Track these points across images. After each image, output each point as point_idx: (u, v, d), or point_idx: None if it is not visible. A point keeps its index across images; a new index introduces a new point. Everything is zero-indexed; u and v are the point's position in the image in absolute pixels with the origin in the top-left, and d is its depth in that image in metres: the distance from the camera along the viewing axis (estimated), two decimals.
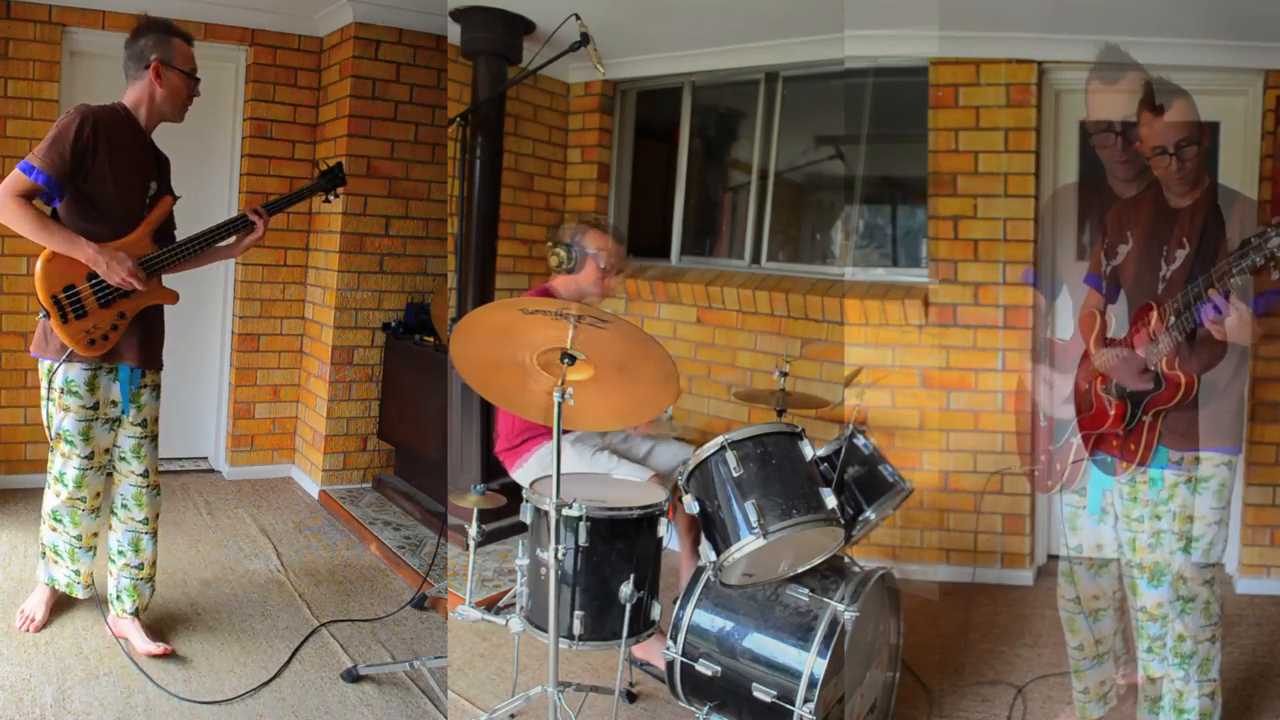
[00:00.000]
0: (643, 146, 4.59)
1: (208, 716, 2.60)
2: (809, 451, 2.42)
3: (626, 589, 2.27)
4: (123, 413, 2.76)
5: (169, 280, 2.80)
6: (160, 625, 2.98)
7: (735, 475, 2.32)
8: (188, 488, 4.57)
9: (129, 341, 2.69)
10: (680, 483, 2.45)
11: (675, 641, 2.41)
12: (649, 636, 2.38)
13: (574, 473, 2.71)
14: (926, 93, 3.54)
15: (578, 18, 3.29)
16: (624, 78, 4.43)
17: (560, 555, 2.22)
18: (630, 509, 2.30)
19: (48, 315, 2.60)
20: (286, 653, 2.97)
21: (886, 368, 3.64)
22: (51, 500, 2.82)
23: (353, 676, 2.84)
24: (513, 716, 2.56)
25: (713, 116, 4.52)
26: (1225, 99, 3.30)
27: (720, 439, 2.36)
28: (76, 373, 2.66)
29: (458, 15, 3.82)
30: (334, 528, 4.23)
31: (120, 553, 2.89)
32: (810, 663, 2.24)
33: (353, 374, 4.70)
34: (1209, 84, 3.25)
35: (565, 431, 2.30)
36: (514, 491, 2.62)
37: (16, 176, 2.51)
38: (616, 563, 2.28)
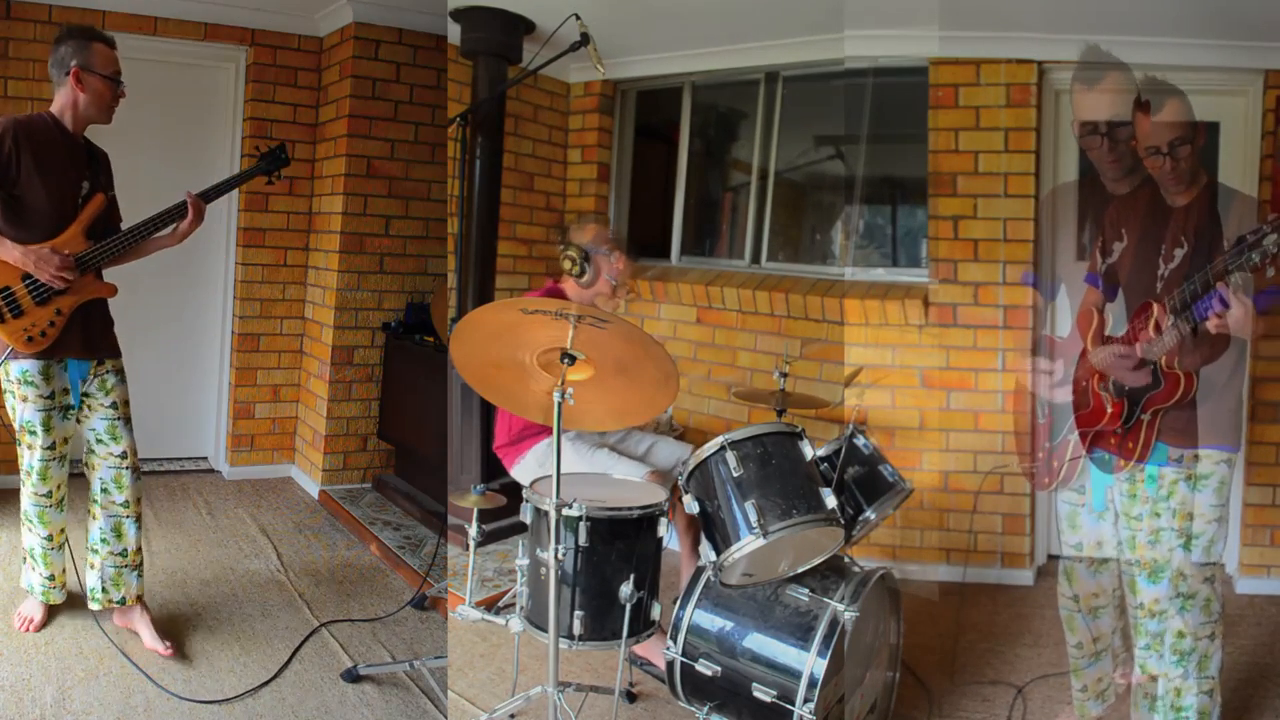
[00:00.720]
0: (643, 146, 4.59)
1: (208, 716, 2.60)
2: (809, 451, 2.42)
3: (626, 589, 2.27)
4: (73, 405, 2.82)
5: (117, 274, 2.88)
6: (160, 625, 2.98)
7: (735, 475, 2.32)
8: (188, 488, 4.57)
9: (71, 336, 2.75)
10: (680, 483, 2.45)
11: (675, 641, 2.41)
12: (649, 636, 2.38)
13: (574, 473, 2.71)
14: (926, 93, 3.54)
15: (578, 18, 3.29)
16: (624, 78, 4.43)
17: (560, 555, 2.22)
18: (630, 509, 2.30)
19: None
20: (286, 653, 2.97)
21: (886, 368, 3.64)
22: (23, 500, 2.88)
23: (353, 676, 2.84)
24: (513, 716, 2.56)
25: (713, 116, 4.52)
26: (1225, 99, 3.30)
27: (720, 439, 2.36)
28: (30, 364, 2.73)
29: (458, 15, 3.82)
30: (334, 528, 4.23)
31: (103, 540, 2.90)
32: (810, 663, 2.24)
33: (353, 374, 4.70)
34: (1209, 84, 3.25)
35: (564, 430, 2.30)
36: (514, 491, 2.62)
37: None
38: (616, 563, 2.28)
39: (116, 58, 2.77)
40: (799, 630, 2.29)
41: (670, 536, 2.39)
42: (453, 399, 3.76)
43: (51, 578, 2.97)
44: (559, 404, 2.12)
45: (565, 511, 2.23)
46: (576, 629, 2.27)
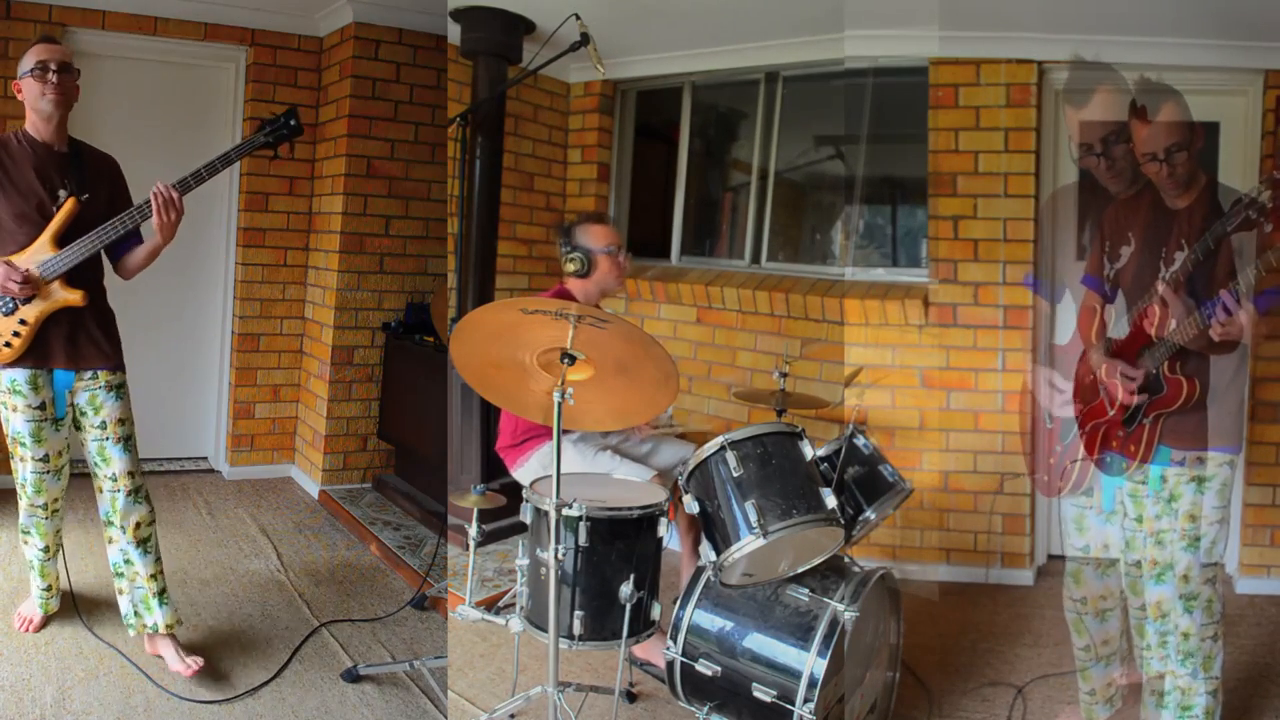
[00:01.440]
0: (643, 146, 4.59)
1: (208, 716, 2.60)
2: (809, 451, 2.42)
3: (626, 589, 2.27)
4: (57, 416, 2.75)
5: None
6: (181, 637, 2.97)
7: (735, 475, 2.32)
8: (187, 488, 4.57)
9: (55, 345, 2.69)
10: (680, 483, 2.45)
11: (675, 641, 2.41)
12: (649, 636, 2.38)
13: (574, 473, 2.71)
14: (926, 93, 3.54)
15: (578, 18, 3.28)
16: (624, 78, 4.43)
17: (560, 555, 2.21)
18: (630, 509, 2.30)
19: None
20: (286, 653, 2.97)
21: (886, 368, 3.64)
22: (20, 510, 2.85)
23: (353, 676, 2.84)
24: (513, 716, 2.56)
25: (713, 116, 4.52)
26: (1225, 99, 3.30)
27: (720, 439, 2.36)
28: (18, 373, 2.68)
29: (458, 15, 3.82)
30: (334, 528, 4.23)
31: (118, 572, 2.83)
32: (810, 663, 2.24)
33: (353, 374, 4.70)
34: (1209, 84, 3.25)
35: (566, 431, 2.30)
36: (514, 491, 2.62)
37: None
38: (616, 563, 2.28)
39: (43, 47, 2.70)
40: (799, 630, 2.29)
41: (670, 536, 2.39)
42: (453, 399, 3.76)
43: (49, 588, 2.97)
44: (559, 404, 2.12)
45: (565, 511, 2.23)
46: (576, 629, 2.27)
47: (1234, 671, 2.88)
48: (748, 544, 2.26)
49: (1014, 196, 3.51)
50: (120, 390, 2.80)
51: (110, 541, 2.82)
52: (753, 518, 2.26)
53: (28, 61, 2.68)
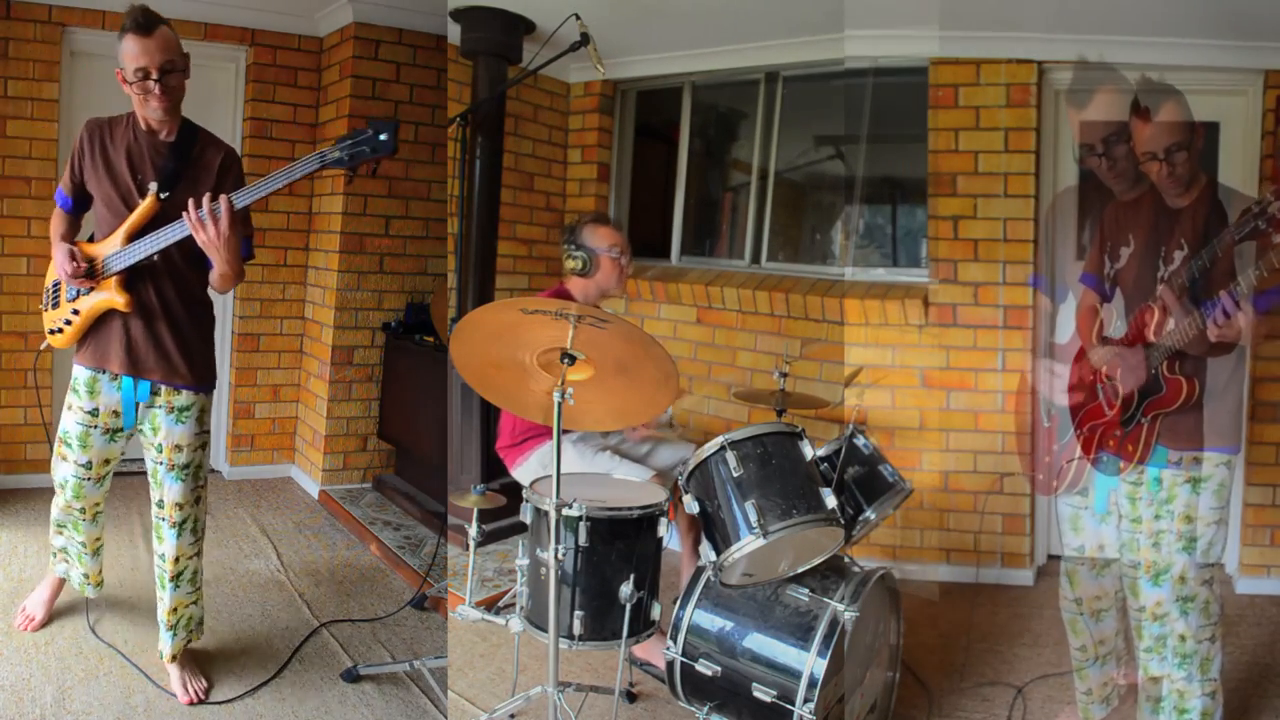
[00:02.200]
0: (643, 146, 4.59)
1: (208, 716, 2.60)
2: (809, 451, 2.42)
3: (626, 589, 2.27)
4: (124, 425, 2.60)
5: None
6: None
7: (735, 475, 2.32)
8: None
9: (112, 348, 2.54)
10: (680, 483, 2.45)
11: (675, 641, 2.41)
12: (649, 636, 2.38)
13: (574, 473, 2.71)
14: (926, 93, 3.54)
15: (578, 18, 3.28)
16: (624, 78, 4.43)
17: (560, 555, 2.22)
18: (630, 509, 2.30)
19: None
20: (286, 653, 2.97)
21: (886, 368, 3.64)
22: (55, 507, 2.78)
23: (353, 676, 2.84)
24: (513, 716, 2.56)
25: (713, 116, 4.52)
26: (1225, 99, 3.30)
27: (720, 439, 2.36)
28: (80, 371, 2.59)
29: (458, 15, 3.82)
30: (334, 528, 4.23)
31: (158, 588, 2.75)
32: (810, 663, 2.24)
33: (353, 374, 4.70)
34: (1209, 84, 3.25)
35: (566, 431, 2.30)
36: (514, 491, 2.62)
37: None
38: (616, 563, 2.28)
39: (143, 49, 2.42)
40: (799, 630, 2.29)
41: (670, 536, 2.39)
42: (453, 399, 3.76)
43: (86, 575, 2.90)
44: (559, 404, 2.12)
45: (565, 511, 2.23)
46: (576, 629, 2.27)
47: (1234, 672, 2.88)
48: (748, 544, 2.26)
49: (1014, 196, 3.51)
50: (184, 415, 2.61)
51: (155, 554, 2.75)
52: (753, 518, 2.27)
53: (126, 65, 2.44)
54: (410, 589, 3.51)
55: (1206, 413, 2.32)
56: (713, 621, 2.40)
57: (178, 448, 2.62)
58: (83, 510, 2.74)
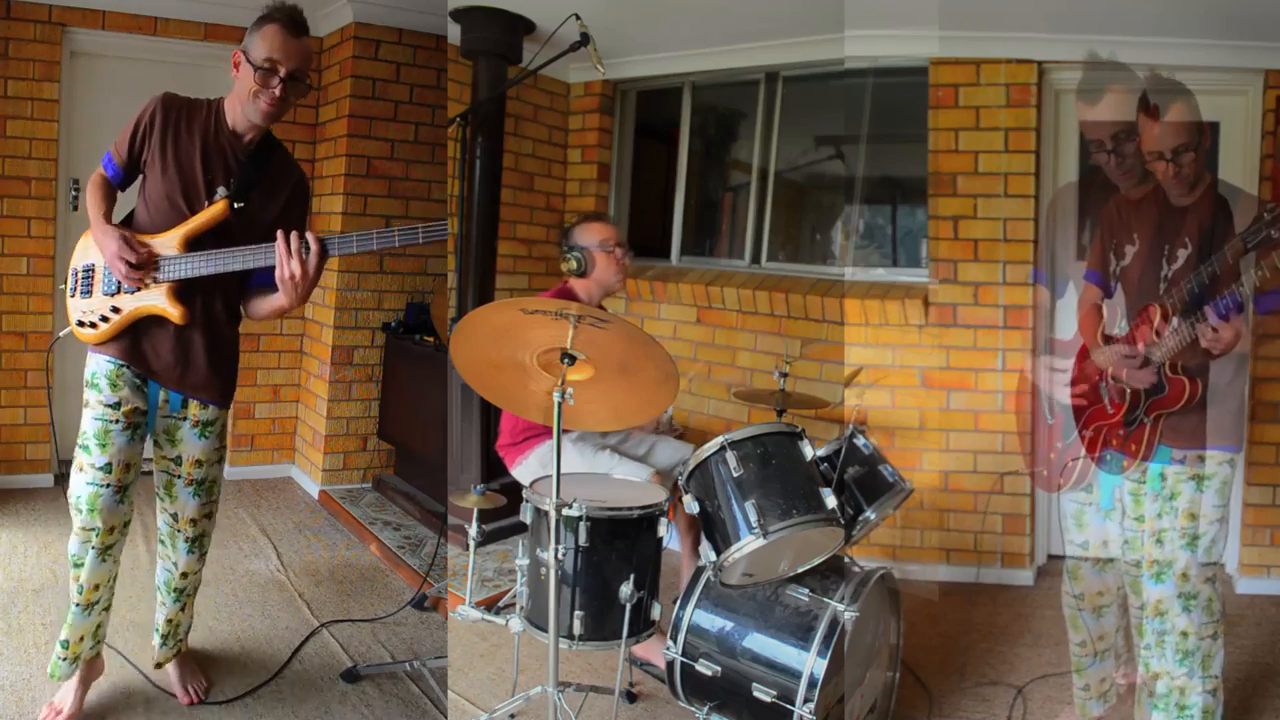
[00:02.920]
0: (643, 146, 4.59)
1: (208, 717, 2.60)
2: (809, 451, 2.42)
3: (626, 589, 2.27)
4: (148, 426, 2.43)
5: None
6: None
7: (735, 475, 2.32)
8: None
9: (145, 347, 2.38)
10: (680, 483, 2.45)
11: (675, 641, 2.41)
12: (649, 636, 2.38)
13: (574, 473, 2.71)
14: (926, 93, 3.54)
15: (578, 18, 3.28)
16: (624, 78, 4.43)
17: (560, 555, 2.22)
18: (630, 509, 2.30)
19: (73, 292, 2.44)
20: (286, 653, 2.96)
21: (886, 368, 3.64)
22: (72, 538, 2.41)
23: (353, 676, 2.84)
24: (513, 716, 2.56)
25: (713, 116, 4.52)
26: (1225, 99, 3.30)
27: (720, 439, 2.36)
28: (101, 362, 2.37)
29: (458, 15, 3.82)
30: (334, 528, 4.23)
31: (158, 592, 2.65)
32: (810, 663, 2.24)
33: (353, 374, 4.70)
34: (1209, 84, 3.25)
35: (566, 431, 2.30)
36: (514, 491, 2.62)
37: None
38: (616, 563, 2.28)
39: (285, 45, 2.30)
40: (799, 630, 2.29)
41: (670, 536, 2.39)
42: (453, 399, 3.75)
43: (65, 644, 2.44)
44: (559, 404, 2.12)
45: (565, 511, 2.23)
46: (576, 629, 2.27)
47: (1234, 671, 2.88)
48: (748, 544, 2.26)
49: (1014, 196, 3.51)
50: (208, 430, 2.49)
51: (160, 563, 2.63)
52: (753, 518, 2.26)
53: (257, 48, 2.30)
54: (410, 589, 3.51)
55: (1210, 412, 2.32)
56: (713, 621, 2.40)
57: (198, 462, 2.50)
58: (95, 532, 2.35)
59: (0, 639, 2.87)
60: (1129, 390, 2.38)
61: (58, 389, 3.84)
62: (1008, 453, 3.52)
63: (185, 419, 2.47)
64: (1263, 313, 2.16)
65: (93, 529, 2.35)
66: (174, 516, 2.55)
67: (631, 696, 2.75)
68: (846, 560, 2.54)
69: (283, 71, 2.31)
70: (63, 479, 2.90)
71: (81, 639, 2.46)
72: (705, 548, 2.38)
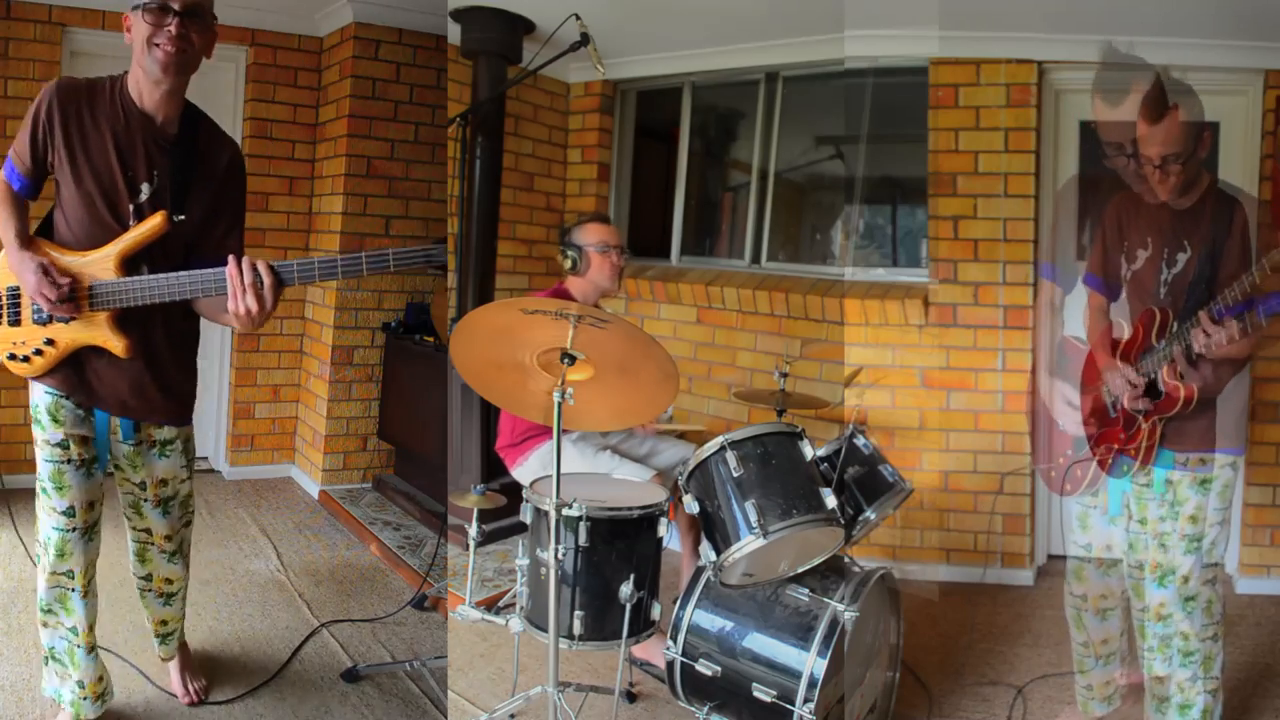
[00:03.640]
0: (643, 146, 4.59)
1: (208, 717, 2.60)
2: (809, 451, 2.42)
3: (626, 589, 2.27)
4: (99, 463, 2.20)
5: None
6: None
7: (735, 475, 2.32)
8: None
9: (90, 379, 2.13)
10: (680, 483, 2.45)
11: (675, 641, 2.41)
12: (649, 636, 2.38)
13: (574, 473, 2.71)
14: (926, 93, 3.54)
15: (578, 18, 3.29)
16: (624, 78, 4.43)
17: (560, 555, 2.22)
18: (630, 509, 2.30)
19: None
20: (286, 653, 2.96)
21: (886, 368, 3.64)
22: (39, 584, 2.25)
23: (353, 676, 2.84)
24: (513, 716, 2.56)
25: (713, 116, 4.52)
26: (1225, 99, 3.30)
27: (720, 439, 2.36)
28: (40, 395, 2.13)
29: (458, 15, 3.82)
30: (334, 528, 4.23)
31: (140, 591, 2.54)
32: (810, 663, 2.24)
33: (353, 374, 4.70)
34: (1209, 84, 3.24)
35: (566, 431, 2.30)
36: (514, 491, 2.62)
37: None
38: (616, 563, 2.28)
39: None
40: (799, 630, 2.29)
41: (671, 536, 2.39)
42: (453, 399, 3.76)
43: (82, 684, 2.31)
44: (559, 404, 2.12)
45: (565, 511, 2.23)
46: (576, 629, 2.27)
47: (1234, 672, 2.88)
48: (748, 544, 2.26)
49: (1014, 196, 3.51)
50: (167, 448, 2.29)
51: (134, 574, 2.50)
52: (753, 518, 2.26)
53: None
54: (410, 589, 3.51)
55: (1213, 415, 2.30)
56: (713, 621, 2.40)
57: (163, 482, 2.32)
58: (69, 575, 2.21)
59: (0, 639, 2.87)
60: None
61: None
62: (1008, 453, 3.52)
63: (143, 442, 2.27)
64: (1269, 315, 2.12)
65: (64, 572, 2.21)
66: (146, 532, 2.40)
67: (631, 696, 2.75)
68: (846, 560, 2.53)
69: (176, 5, 1.94)
70: None
71: (99, 677, 2.35)
72: (705, 548, 2.38)
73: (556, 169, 4.53)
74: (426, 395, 4.26)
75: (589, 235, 3.12)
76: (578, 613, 2.27)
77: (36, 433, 2.17)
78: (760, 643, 2.33)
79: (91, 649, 2.32)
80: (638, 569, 2.29)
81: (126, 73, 2.07)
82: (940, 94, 3.54)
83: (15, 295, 2.10)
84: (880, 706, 2.58)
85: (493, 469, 3.43)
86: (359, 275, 2.04)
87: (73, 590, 2.23)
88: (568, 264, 3.10)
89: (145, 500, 2.34)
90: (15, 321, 2.10)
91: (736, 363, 4.07)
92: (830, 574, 2.42)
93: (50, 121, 2.03)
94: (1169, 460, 2.33)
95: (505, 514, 2.96)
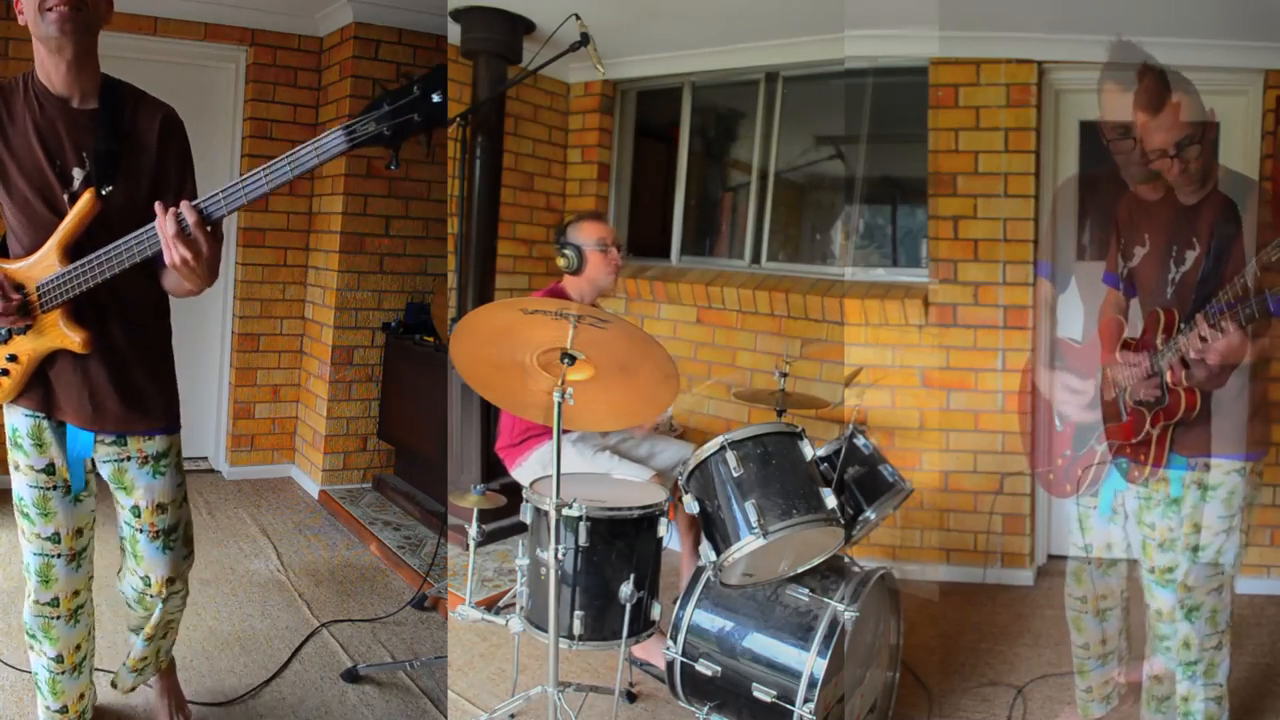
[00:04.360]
0: (643, 146, 4.59)
1: (208, 717, 2.60)
2: (809, 451, 2.42)
3: (626, 589, 2.27)
4: (73, 488, 2.06)
5: None
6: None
7: (735, 475, 2.32)
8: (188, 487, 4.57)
9: (60, 391, 1.99)
10: (680, 483, 2.45)
11: (675, 641, 2.41)
12: (649, 636, 2.38)
13: (574, 473, 2.71)
14: (926, 93, 3.54)
15: (578, 18, 3.28)
16: (624, 78, 4.43)
17: (560, 555, 2.22)
18: (630, 509, 2.30)
19: None
20: (286, 653, 2.97)
21: (886, 368, 3.64)
22: (25, 610, 2.16)
23: (353, 676, 2.84)
24: (513, 716, 2.56)
25: (713, 116, 4.52)
26: (1225, 99, 3.29)
27: (720, 439, 2.36)
28: (18, 419, 2.02)
29: (458, 15, 3.82)
30: (334, 528, 4.23)
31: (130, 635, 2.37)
32: (810, 663, 2.24)
33: (353, 374, 4.70)
34: (1209, 84, 3.24)
35: (566, 431, 2.30)
36: (514, 491, 2.62)
37: None
38: (616, 563, 2.28)
39: None
40: (799, 630, 2.29)
41: (670, 536, 2.39)
42: (453, 399, 3.76)
43: (64, 709, 2.24)
44: (559, 404, 2.12)
45: (565, 511, 2.23)
46: (576, 629, 2.27)
47: (1234, 672, 2.87)
48: (748, 544, 2.26)
49: (1014, 196, 3.51)
50: (161, 463, 2.09)
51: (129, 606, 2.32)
52: (753, 518, 2.26)
53: None
54: (410, 589, 3.51)
55: (1217, 420, 2.26)
56: (713, 621, 2.40)
57: (160, 508, 2.11)
58: (54, 603, 2.10)
59: (0, 639, 2.87)
60: (1138, 400, 2.34)
61: None
62: (1008, 453, 3.52)
63: (130, 457, 2.07)
64: (1276, 313, 2.07)
65: (47, 601, 2.11)
66: (145, 580, 2.16)
67: (631, 696, 2.75)
68: (846, 560, 2.53)
69: None
70: None
71: (80, 696, 2.26)
72: (705, 548, 2.38)
73: (556, 169, 4.53)
74: (426, 395, 4.26)
75: (586, 233, 3.11)
76: (578, 613, 2.27)
77: (17, 457, 2.04)
78: (760, 643, 2.33)
79: (77, 670, 2.23)
80: (638, 569, 2.29)
81: (31, 70, 1.97)
82: (940, 94, 3.54)
83: None
84: (880, 706, 2.58)
85: (493, 469, 3.43)
86: (286, 179, 1.81)
87: (56, 618, 2.13)
88: (565, 262, 3.09)
89: (142, 531, 2.11)
90: None
91: (736, 363, 4.07)
92: (830, 574, 2.42)
93: None
94: (1181, 464, 2.29)
95: (505, 514, 2.96)
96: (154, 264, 1.91)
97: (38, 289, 1.91)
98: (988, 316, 3.55)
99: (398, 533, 4.11)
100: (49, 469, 2.04)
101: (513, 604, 2.68)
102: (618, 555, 2.28)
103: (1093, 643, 2.61)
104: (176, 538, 2.15)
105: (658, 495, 2.45)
